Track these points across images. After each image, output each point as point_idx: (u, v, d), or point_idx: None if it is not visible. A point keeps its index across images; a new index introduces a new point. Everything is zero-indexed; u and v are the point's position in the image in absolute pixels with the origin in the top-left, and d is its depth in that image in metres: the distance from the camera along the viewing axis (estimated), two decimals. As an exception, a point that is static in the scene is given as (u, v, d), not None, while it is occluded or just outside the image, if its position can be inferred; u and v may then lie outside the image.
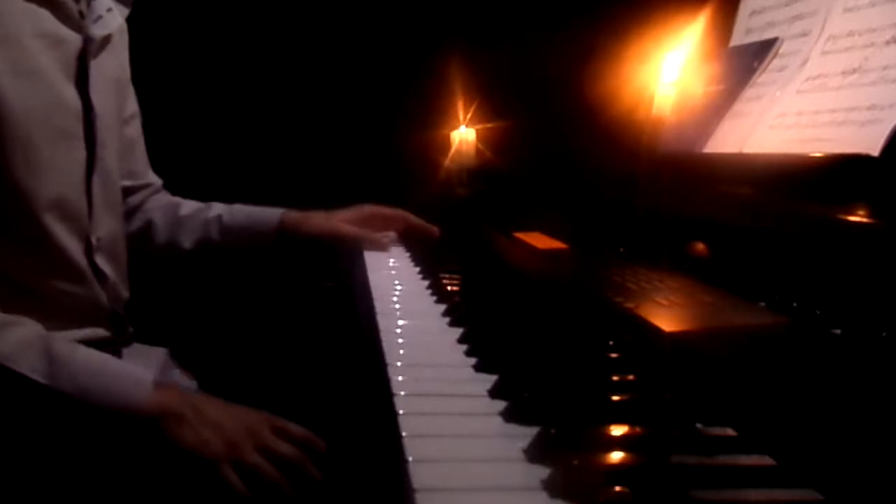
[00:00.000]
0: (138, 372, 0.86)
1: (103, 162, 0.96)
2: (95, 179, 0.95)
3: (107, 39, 0.98)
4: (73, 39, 0.92)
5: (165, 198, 1.24)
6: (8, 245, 0.87)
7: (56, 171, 0.89)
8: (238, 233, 1.19)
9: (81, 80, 0.93)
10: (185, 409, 0.81)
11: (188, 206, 1.22)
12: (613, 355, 0.68)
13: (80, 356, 0.82)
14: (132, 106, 1.15)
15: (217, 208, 1.21)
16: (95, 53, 0.95)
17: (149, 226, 1.19)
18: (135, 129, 1.17)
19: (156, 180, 1.24)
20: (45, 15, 0.88)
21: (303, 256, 1.26)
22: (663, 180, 0.91)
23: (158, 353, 1.09)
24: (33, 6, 0.87)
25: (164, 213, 1.20)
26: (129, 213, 1.17)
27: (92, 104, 0.94)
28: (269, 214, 1.20)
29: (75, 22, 0.92)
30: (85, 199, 0.94)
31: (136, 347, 1.05)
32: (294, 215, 1.21)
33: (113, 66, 1.02)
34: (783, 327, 0.59)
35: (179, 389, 0.88)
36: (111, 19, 0.98)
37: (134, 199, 1.19)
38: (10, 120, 0.84)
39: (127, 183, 1.13)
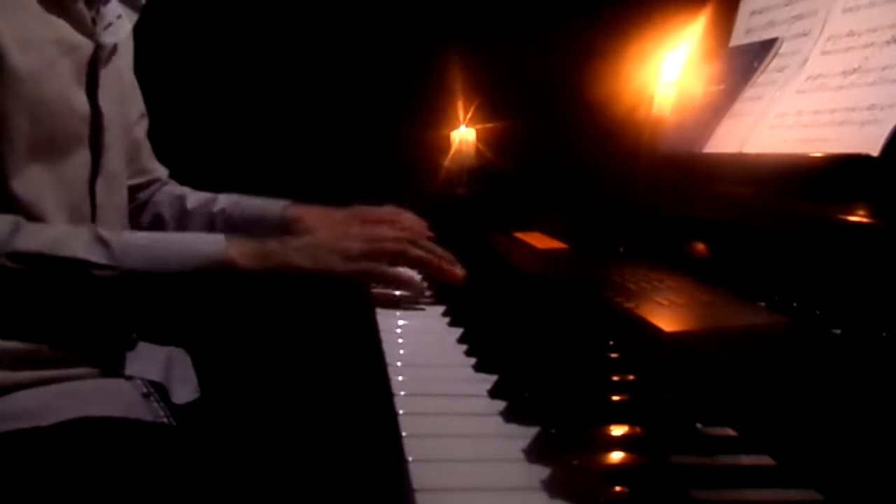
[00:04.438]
0: (201, 234, 0.84)
1: (108, 166, 0.96)
2: (100, 182, 0.95)
3: (116, 46, 0.99)
4: (86, 46, 0.92)
5: (172, 190, 1.25)
6: None
7: (60, 174, 0.89)
8: (243, 228, 1.17)
9: (91, 86, 0.93)
10: (269, 245, 0.81)
11: (194, 199, 1.21)
12: (613, 355, 0.68)
13: (127, 234, 0.79)
14: (139, 107, 1.17)
15: (222, 201, 1.20)
16: (105, 60, 0.95)
17: (158, 219, 1.20)
18: (142, 130, 1.18)
19: (163, 172, 1.25)
20: (60, 23, 0.89)
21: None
22: (663, 180, 0.91)
23: (162, 353, 1.09)
24: (51, 16, 0.88)
25: (172, 207, 1.21)
26: (140, 209, 1.19)
27: (100, 109, 0.94)
28: (272, 209, 1.18)
29: (87, 29, 0.93)
30: (89, 201, 0.94)
31: (140, 347, 1.05)
32: (295, 211, 1.17)
33: (121, 73, 1.02)
34: (783, 327, 0.59)
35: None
36: (121, 27, 0.99)
37: (143, 195, 1.21)
38: (23, 120, 0.84)
39: (138, 180, 1.17)
